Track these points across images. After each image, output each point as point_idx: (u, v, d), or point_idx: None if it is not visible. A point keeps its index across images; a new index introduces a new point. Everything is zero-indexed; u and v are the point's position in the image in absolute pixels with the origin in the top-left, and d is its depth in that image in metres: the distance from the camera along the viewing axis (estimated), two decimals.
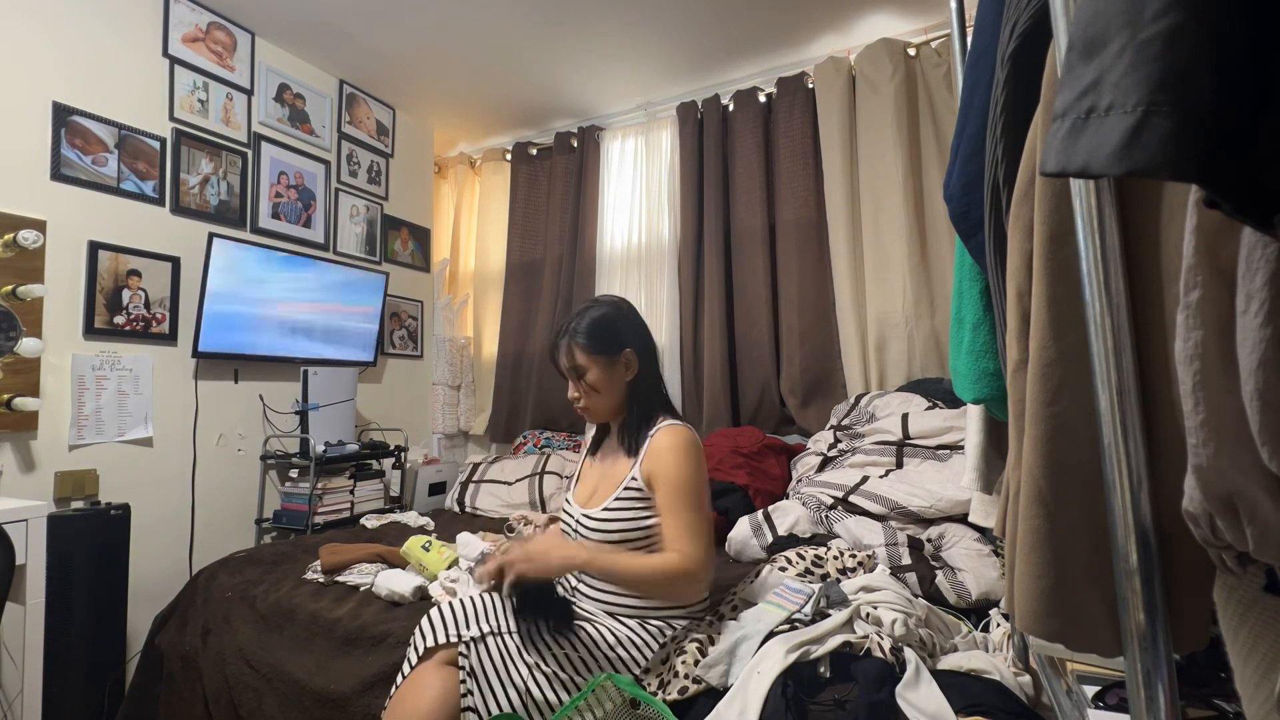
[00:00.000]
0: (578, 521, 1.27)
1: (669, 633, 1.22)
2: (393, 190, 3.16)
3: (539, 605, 1.14)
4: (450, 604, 1.19)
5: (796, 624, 1.18)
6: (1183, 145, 0.29)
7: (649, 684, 1.15)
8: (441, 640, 1.13)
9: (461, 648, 1.12)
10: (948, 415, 1.93)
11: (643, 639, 1.19)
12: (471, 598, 1.20)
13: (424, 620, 1.18)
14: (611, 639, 1.17)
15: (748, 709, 0.98)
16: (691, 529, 1.15)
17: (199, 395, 2.29)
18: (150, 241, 2.16)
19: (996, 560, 1.49)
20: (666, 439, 1.22)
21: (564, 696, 1.10)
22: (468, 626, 1.14)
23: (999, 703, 0.98)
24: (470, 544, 1.73)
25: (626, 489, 1.23)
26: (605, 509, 1.23)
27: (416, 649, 1.15)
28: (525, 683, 1.10)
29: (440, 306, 3.44)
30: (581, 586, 1.26)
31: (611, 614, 1.22)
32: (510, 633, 1.14)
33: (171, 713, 1.64)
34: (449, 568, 1.64)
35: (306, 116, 2.72)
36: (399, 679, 1.14)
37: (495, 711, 1.06)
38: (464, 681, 1.09)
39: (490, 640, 1.13)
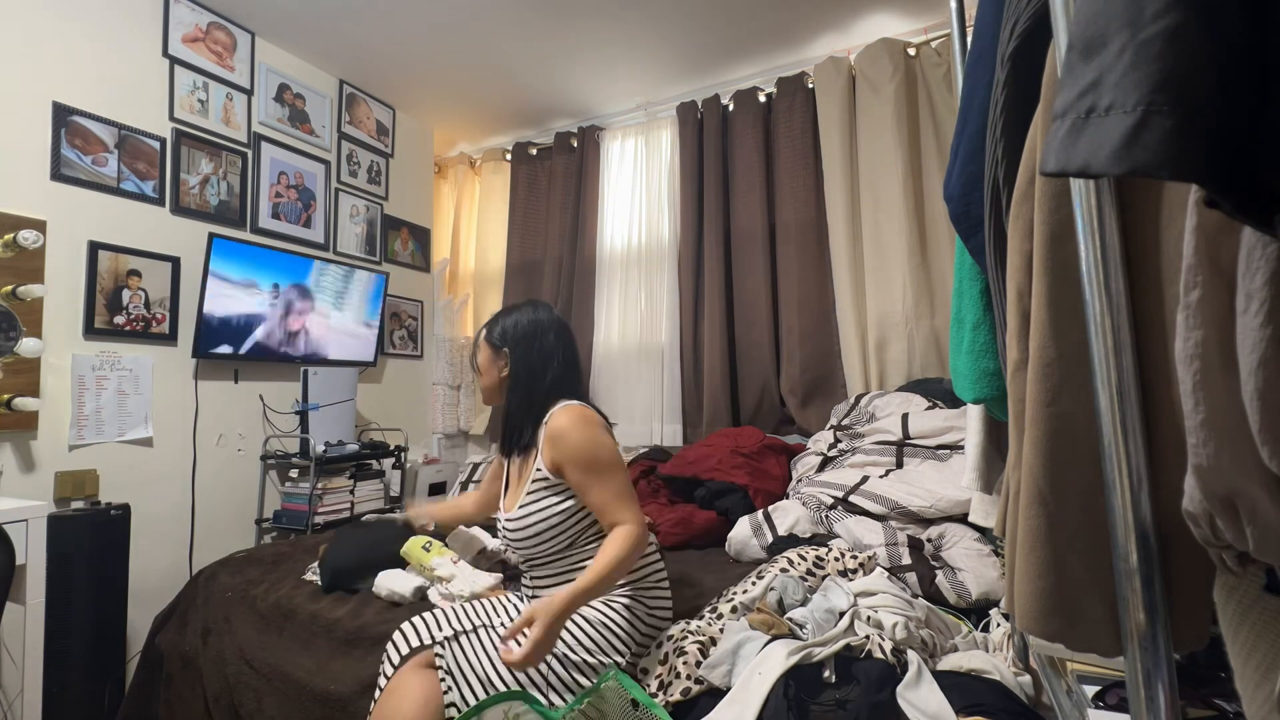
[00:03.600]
0: (503, 528, 1.29)
1: (641, 612, 1.24)
2: (393, 190, 3.16)
3: None
4: (422, 615, 1.23)
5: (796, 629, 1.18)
6: (1183, 145, 0.29)
7: (649, 685, 1.15)
8: (415, 645, 1.16)
9: (437, 648, 1.15)
10: (948, 415, 1.93)
11: (605, 618, 1.21)
12: (443, 610, 1.24)
13: (397, 632, 1.21)
14: (581, 628, 1.18)
15: (747, 709, 0.98)
16: (618, 494, 1.18)
17: (199, 395, 2.29)
18: (150, 241, 2.16)
19: (996, 560, 1.49)
20: (558, 421, 1.23)
21: (540, 684, 1.13)
22: (439, 628, 1.18)
23: (999, 703, 0.98)
24: (468, 540, 1.73)
25: (534, 481, 1.25)
26: (520, 507, 1.25)
27: (391, 659, 1.17)
28: (504, 675, 1.12)
29: (440, 306, 3.44)
30: (532, 584, 1.29)
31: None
32: (484, 627, 1.18)
33: (171, 713, 1.64)
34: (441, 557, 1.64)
35: (306, 116, 2.72)
36: (378, 687, 1.15)
37: None
38: (444, 680, 1.11)
39: (464, 638, 1.16)
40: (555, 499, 1.24)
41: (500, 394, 1.36)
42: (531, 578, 1.31)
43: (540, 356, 1.32)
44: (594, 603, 1.21)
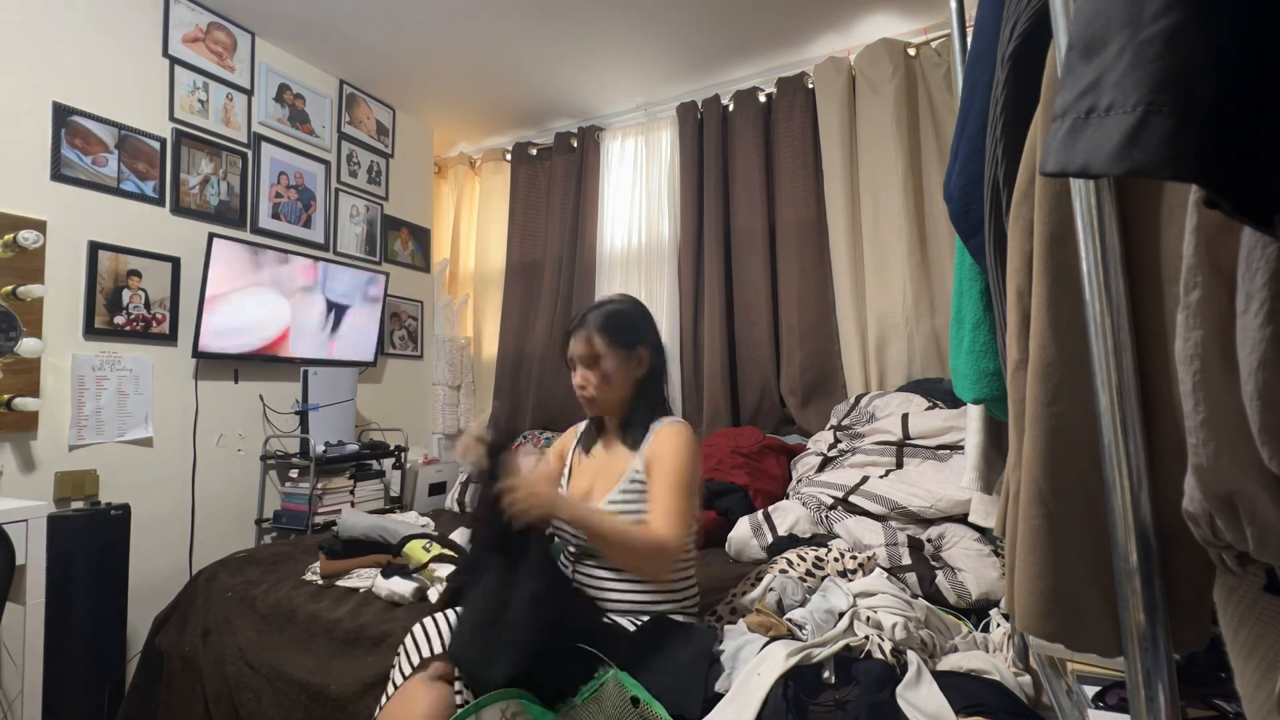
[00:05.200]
0: None
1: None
2: (393, 190, 3.16)
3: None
4: (435, 617, 1.16)
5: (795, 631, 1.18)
6: (1183, 145, 0.29)
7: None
8: (426, 655, 1.10)
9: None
10: (948, 415, 1.93)
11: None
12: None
13: (409, 637, 1.15)
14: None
15: (746, 709, 0.98)
16: (673, 511, 1.15)
17: (199, 395, 2.29)
18: (150, 241, 2.16)
19: (996, 560, 1.49)
20: (670, 430, 1.24)
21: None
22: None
23: (999, 703, 0.98)
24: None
25: (632, 481, 1.23)
26: (610, 502, 1.23)
27: (405, 664, 1.11)
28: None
29: (440, 306, 3.44)
30: (578, 577, 1.26)
31: (603, 607, 1.22)
32: None
33: (171, 713, 1.64)
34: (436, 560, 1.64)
35: (306, 116, 2.72)
36: (386, 694, 1.11)
37: None
38: (460, 693, 1.06)
39: None
40: (647, 505, 1.21)
41: (627, 397, 1.30)
42: (582, 568, 1.26)
43: (660, 350, 1.34)
44: (631, 627, 1.18)
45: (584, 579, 1.26)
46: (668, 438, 1.23)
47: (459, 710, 1.03)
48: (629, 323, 1.32)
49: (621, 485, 1.23)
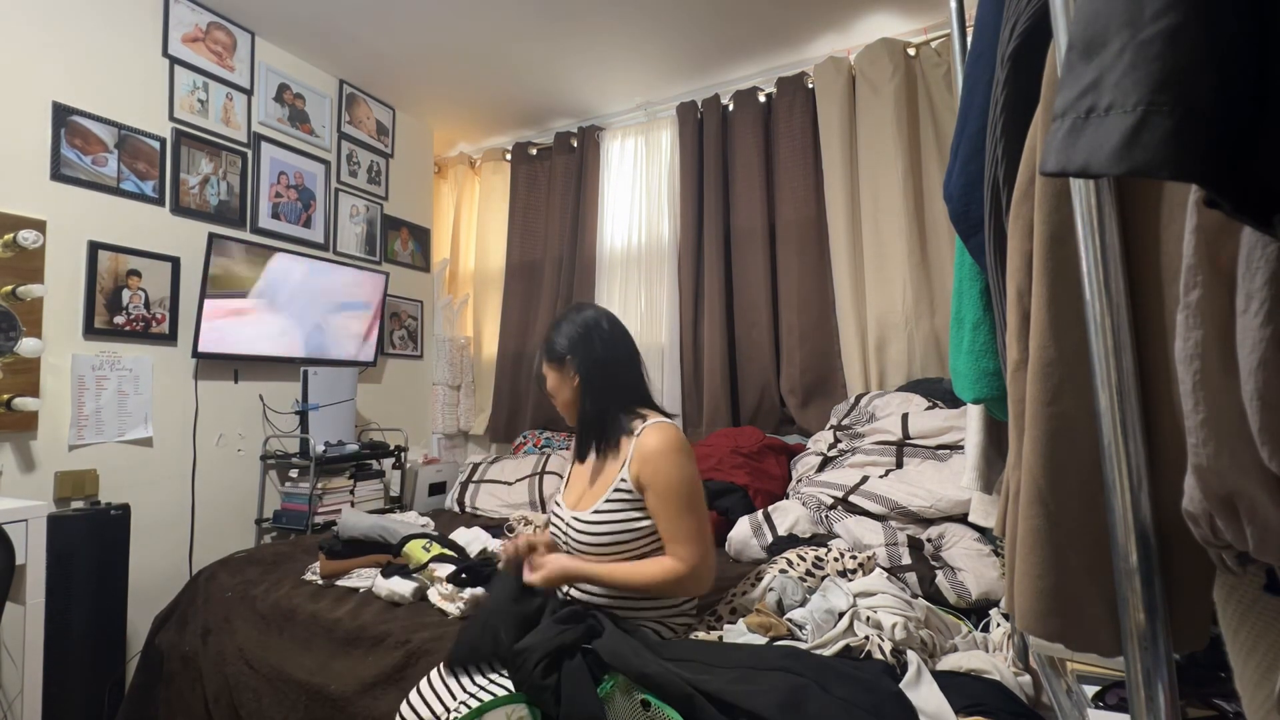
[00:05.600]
0: (568, 525, 1.26)
1: (666, 635, 1.22)
2: (393, 190, 3.16)
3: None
4: (428, 688, 1.12)
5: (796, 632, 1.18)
6: (1183, 145, 0.29)
7: None
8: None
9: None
10: (948, 415, 1.93)
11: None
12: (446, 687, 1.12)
13: (406, 706, 1.11)
14: None
15: None
16: (688, 533, 1.15)
17: (199, 395, 2.29)
18: (150, 241, 2.16)
19: (996, 560, 1.49)
20: (653, 439, 1.20)
21: None
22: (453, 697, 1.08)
23: (999, 703, 0.98)
24: (472, 538, 1.73)
25: (616, 490, 1.22)
26: (595, 510, 1.22)
27: None
28: None
29: (440, 306, 3.44)
30: (573, 592, 1.26)
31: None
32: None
33: (171, 713, 1.64)
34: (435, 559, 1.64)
35: (306, 116, 2.72)
36: None
37: None
38: (464, 703, 1.05)
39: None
40: (635, 514, 1.20)
41: (578, 407, 1.33)
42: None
43: (605, 349, 1.29)
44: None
45: (577, 591, 1.26)
46: (654, 453, 1.18)
47: (467, 712, 1.03)
48: (557, 335, 1.33)
49: (607, 495, 1.23)
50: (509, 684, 1.07)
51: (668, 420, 1.26)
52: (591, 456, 1.32)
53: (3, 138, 1.82)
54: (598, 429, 1.28)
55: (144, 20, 2.17)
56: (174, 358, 2.22)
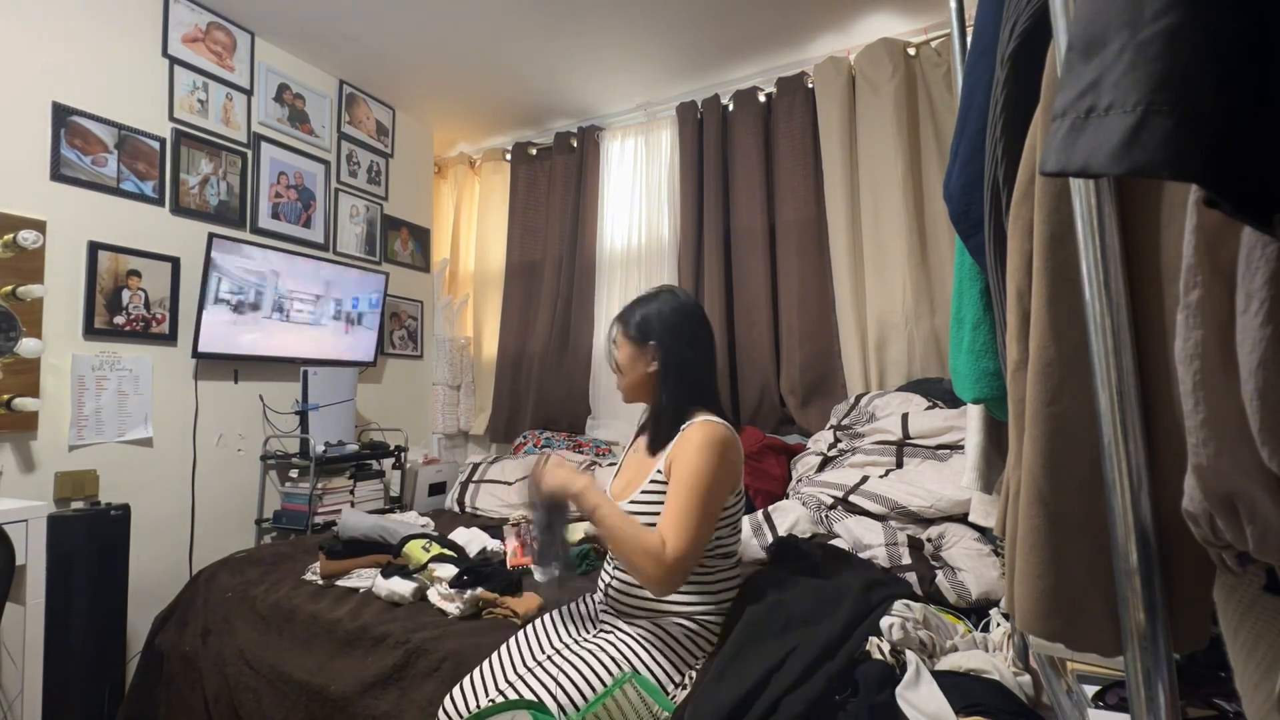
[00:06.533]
0: None
1: (676, 631, 1.21)
2: (393, 190, 3.16)
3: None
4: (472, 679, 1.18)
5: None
6: (1183, 145, 0.29)
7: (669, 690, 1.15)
8: None
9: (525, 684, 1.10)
10: (948, 415, 1.93)
11: (655, 639, 1.18)
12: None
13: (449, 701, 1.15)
14: (622, 649, 1.16)
15: None
16: (683, 523, 1.10)
17: (199, 395, 2.29)
18: (150, 242, 2.15)
19: (996, 560, 1.49)
20: (696, 433, 1.18)
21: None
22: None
23: (999, 703, 0.97)
24: (472, 538, 1.73)
25: (652, 481, 1.22)
26: (632, 500, 1.23)
27: None
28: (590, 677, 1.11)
29: (440, 306, 3.44)
30: (613, 581, 1.27)
31: (628, 618, 1.23)
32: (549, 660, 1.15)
33: (171, 713, 1.64)
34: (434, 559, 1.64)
35: (306, 116, 2.72)
36: None
37: None
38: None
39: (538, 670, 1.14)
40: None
41: (647, 391, 1.31)
42: (617, 565, 1.28)
43: (692, 349, 1.28)
44: (654, 627, 1.19)
45: (615, 581, 1.27)
46: (689, 441, 1.17)
47: (471, 713, 1.04)
48: (646, 315, 1.30)
49: (643, 486, 1.22)
50: (526, 690, 1.08)
51: (720, 421, 1.23)
52: (643, 444, 1.32)
53: (3, 138, 1.82)
54: (669, 420, 1.26)
55: (144, 20, 2.17)
56: (174, 358, 2.22)
